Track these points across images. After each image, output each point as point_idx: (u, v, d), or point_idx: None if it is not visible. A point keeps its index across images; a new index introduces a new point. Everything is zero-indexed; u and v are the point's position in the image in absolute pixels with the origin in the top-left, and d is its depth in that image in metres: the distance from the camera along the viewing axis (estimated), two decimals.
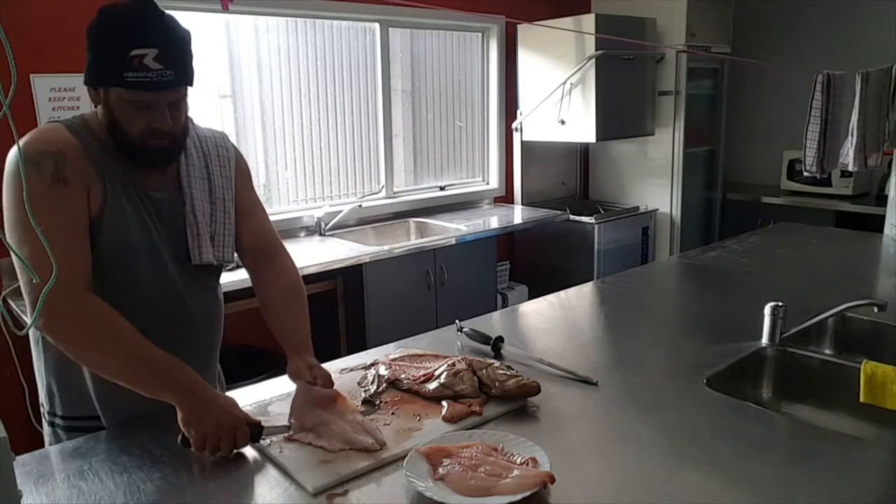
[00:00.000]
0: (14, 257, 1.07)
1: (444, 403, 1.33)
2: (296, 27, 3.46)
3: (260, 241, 1.52)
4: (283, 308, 1.47)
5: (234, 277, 2.65)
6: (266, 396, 1.41)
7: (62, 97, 2.67)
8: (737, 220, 4.59)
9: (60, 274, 0.90)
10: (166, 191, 1.37)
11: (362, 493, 1.08)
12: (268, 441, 1.22)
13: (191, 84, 1.29)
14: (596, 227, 4.03)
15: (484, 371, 1.39)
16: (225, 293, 2.63)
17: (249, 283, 2.70)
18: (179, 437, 1.19)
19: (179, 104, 1.29)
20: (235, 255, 1.50)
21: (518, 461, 1.11)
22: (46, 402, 1.40)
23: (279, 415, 1.31)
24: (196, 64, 1.31)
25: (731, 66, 4.54)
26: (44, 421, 1.42)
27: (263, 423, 1.24)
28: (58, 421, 1.38)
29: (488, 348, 1.64)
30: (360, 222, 3.71)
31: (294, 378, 1.36)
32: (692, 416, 1.33)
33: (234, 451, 1.19)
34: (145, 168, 1.32)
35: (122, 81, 1.19)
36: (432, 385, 1.38)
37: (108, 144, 1.29)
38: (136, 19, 1.20)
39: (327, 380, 1.34)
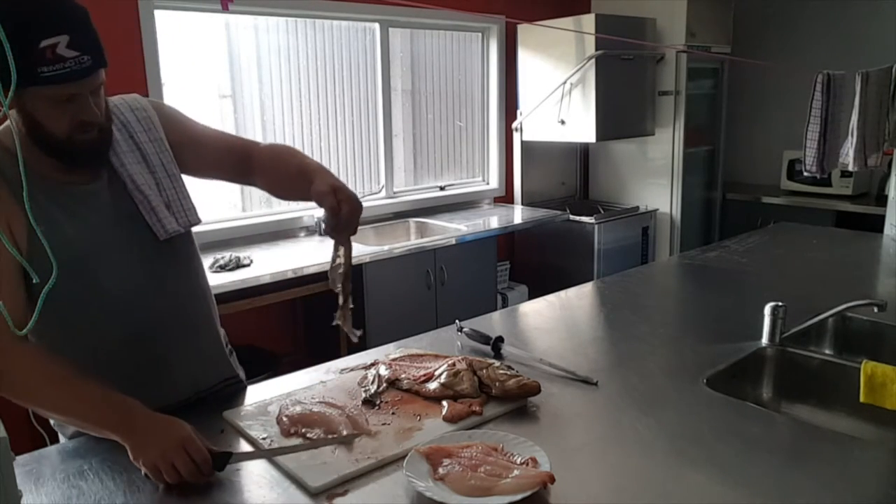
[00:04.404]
0: None
1: (445, 403, 1.32)
2: (296, 27, 3.46)
3: (235, 153, 1.44)
4: (282, 162, 1.42)
5: (234, 277, 2.66)
6: (266, 396, 1.40)
7: None
8: (737, 220, 4.59)
9: None
10: (101, 181, 1.27)
11: (362, 492, 1.08)
12: (269, 440, 1.22)
13: (107, 65, 1.16)
14: (596, 227, 4.03)
15: (484, 371, 1.39)
16: (225, 293, 2.65)
17: (249, 284, 2.73)
18: (143, 473, 1.11)
19: (99, 89, 1.18)
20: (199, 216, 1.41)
21: (518, 461, 1.11)
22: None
23: (276, 414, 1.31)
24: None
25: (731, 66, 4.54)
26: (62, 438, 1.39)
27: (259, 427, 1.24)
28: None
29: (488, 348, 1.64)
30: (360, 222, 3.69)
31: (318, 202, 1.28)
32: (692, 416, 1.33)
33: (207, 470, 1.09)
34: (77, 167, 1.22)
35: (37, 79, 1.06)
36: (432, 385, 1.38)
37: (24, 155, 1.12)
38: (35, 3, 1.06)
39: (353, 203, 1.27)
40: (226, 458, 1.13)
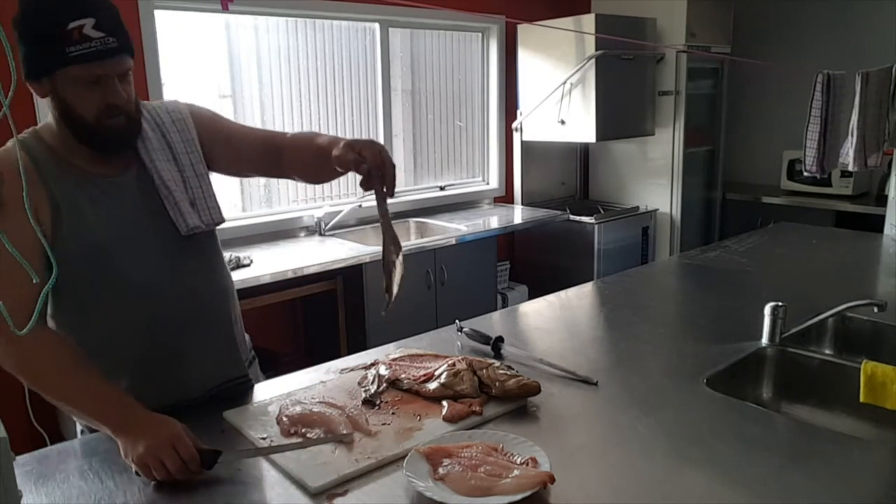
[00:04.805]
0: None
1: (445, 403, 1.32)
2: (296, 27, 3.46)
3: (264, 148, 1.48)
4: (302, 152, 1.46)
5: (234, 277, 2.64)
6: (266, 396, 1.40)
7: None
8: (737, 220, 4.59)
9: None
10: (130, 174, 1.33)
11: (362, 492, 1.08)
12: (268, 439, 1.22)
13: (133, 53, 1.24)
14: (596, 227, 4.03)
15: (484, 371, 1.39)
16: None
17: (249, 284, 2.73)
18: (134, 470, 1.12)
19: (127, 76, 1.24)
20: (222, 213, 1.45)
21: (518, 461, 1.11)
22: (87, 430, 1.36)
23: (276, 414, 1.31)
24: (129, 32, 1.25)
25: (731, 66, 4.54)
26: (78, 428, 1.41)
27: (259, 427, 1.23)
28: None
29: (488, 348, 1.64)
30: (360, 222, 3.70)
31: (343, 166, 1.30)
32: (692, 416, 1.33)
33: (195, 468, 1.10)
34: (106, 152, 1.28)
35: (66, 58, 1.14)
36: (432, 385, 1.38)
37: (60, 147, 1.25)
38: None
39: (372, 146, 1.27)
40: (215, 456, 1.13)
